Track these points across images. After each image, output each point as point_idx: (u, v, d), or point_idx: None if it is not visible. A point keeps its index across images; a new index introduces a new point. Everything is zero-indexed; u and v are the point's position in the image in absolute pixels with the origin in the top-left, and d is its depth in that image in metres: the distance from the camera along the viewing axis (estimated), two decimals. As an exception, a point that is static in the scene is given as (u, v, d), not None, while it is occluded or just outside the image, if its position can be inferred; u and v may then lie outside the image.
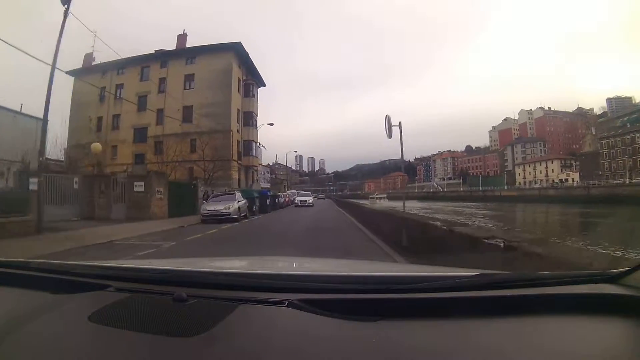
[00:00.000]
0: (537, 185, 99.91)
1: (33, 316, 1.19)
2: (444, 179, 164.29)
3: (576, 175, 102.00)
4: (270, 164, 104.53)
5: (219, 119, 36.51)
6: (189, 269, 1.76)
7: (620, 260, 2.63)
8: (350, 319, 1.07)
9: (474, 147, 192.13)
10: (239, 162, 39.84)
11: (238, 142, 40.87)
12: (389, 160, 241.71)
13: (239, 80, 41.56)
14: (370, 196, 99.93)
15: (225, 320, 1.07)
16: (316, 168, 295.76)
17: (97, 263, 1.82)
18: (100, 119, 42.29)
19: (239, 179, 39.38)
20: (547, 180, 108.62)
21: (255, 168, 46.54)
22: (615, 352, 0.94)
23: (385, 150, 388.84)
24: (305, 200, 39.77)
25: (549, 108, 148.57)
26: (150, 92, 39.41)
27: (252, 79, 43.80)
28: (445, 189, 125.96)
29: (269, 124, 43.80)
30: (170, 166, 30.97)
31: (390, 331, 1.02)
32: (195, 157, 33.07)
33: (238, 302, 1.18)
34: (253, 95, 43.67)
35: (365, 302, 1.16)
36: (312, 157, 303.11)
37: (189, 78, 39.47)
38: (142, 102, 38.82)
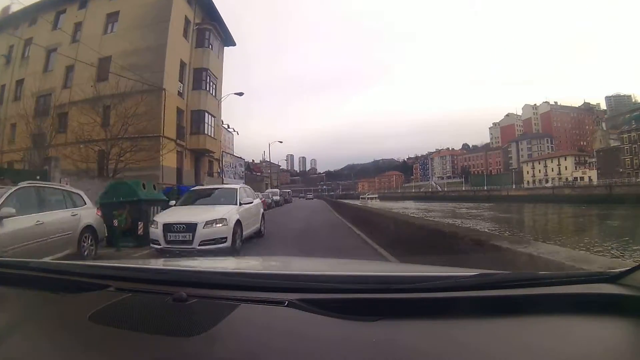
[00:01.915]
0: (549, 184, 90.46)
1: (33, 316, 1.20)
2: (442, 178, 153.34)
3: (593, 173, 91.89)
4: (257, 161, 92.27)
5: (146, 72, 22.68)
6: (189, 268, 1.77)
7: (620, 260, 1.53)
8: (350, 319, 1.06)
9: (470, 145, 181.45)
10: (178, 142, 26.24)
11: (180, 110, 27.09)
12: (382, 159, 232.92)
13: (187, 20, 27.98)
14: (362, 196, 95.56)
15: (225, 320, 1.05)
16: (307, 168, 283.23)
17: (97, 263, 1.80)
18: (3, 87, 29.58)
19: (181, 169, 26.36)
20: (560, 178, 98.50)
21: (212, 154, 32.69)
22: (615, 352, 0.93)
23: (378, 149, 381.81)
24: (183, 239, 7.64)
25: (555, 102, 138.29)
26: (61, 44, 26.28)
27: (209, 23, 29.72)
28: (446, 189, 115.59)
29: (236, 94, 30.90)
30: (75, 150, 19.32)
31: (390, 331, 1.01)
32: (112, 132, 19.83)
33: (238, 302, 1.17)
34: (210, 47, 29.54)
35: (365, 302, 1.15)
36: (303, 157, 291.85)
37: (112, 18, 25.99)
38: (51, 59, 26.65)
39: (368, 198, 77.25)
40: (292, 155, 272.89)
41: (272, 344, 0.98)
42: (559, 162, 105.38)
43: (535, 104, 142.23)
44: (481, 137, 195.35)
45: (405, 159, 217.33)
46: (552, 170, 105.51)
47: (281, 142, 58.04)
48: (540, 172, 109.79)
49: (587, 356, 0.92)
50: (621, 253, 13.60)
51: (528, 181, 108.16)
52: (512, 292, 1.14)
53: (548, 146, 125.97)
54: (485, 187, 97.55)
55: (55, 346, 1.01)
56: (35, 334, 1.08)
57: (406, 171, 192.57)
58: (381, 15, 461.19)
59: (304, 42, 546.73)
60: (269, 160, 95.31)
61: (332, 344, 0.96)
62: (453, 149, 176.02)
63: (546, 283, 1.20)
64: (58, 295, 1.35)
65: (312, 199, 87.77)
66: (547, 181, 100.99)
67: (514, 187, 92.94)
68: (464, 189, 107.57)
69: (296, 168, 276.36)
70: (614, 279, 1.19)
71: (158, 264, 1.97)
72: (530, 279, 1.26)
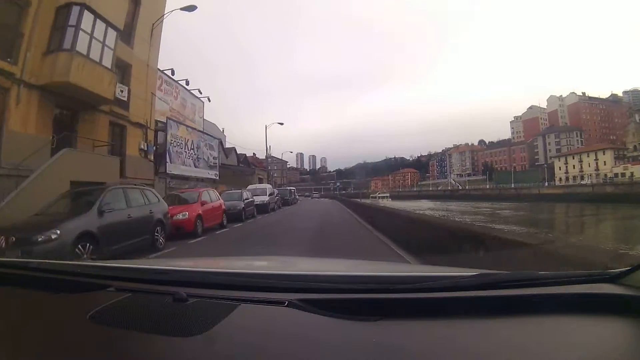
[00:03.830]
0: (586, 181, 78.91)
1: (33, 316, 1.18)
2: (462, 176, 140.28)
3: (636, 169, 79.39)
4: (262, 157, 78.17)
5: None
6: (189, 268, 1.74)
7: (620, 260, 2.35)
8: (350, 319, 1.04)
9: (487, 142, 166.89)
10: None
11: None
12: (394, 157, 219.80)
13: None
14: (372, 195, 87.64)
15: (225, 320, 1.03)
16: (317, 166, 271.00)
17: (98, 263, 1.77)
18: None
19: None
20: (597, 174, 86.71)
21: (115, 110, 16.94)
22: (615, 352, 0.91)
23: (389, 148, 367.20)
24: None
25: (583, 93, 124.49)
26: None
27: None
28: (467, 187, 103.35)
29: (184, 9, 19.70)
30: None
31: (390, 331, 1.00)
32: None
33: (238, 302, 1.15)
34: None
35: (365, 302, 1.13)
36: (313, 155, 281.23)
37: None
38: None
39: (379, 197, 72.20)
40: (302, 154, 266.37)
41: (272, 344, 0.96)
42: (596, 156, 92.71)
43: (561, 95, 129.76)
44: (498, 133, 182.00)
45: (418, 156, 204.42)
46: (589, 166, 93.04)
47: (282, 124, 43.69)
48: (574, 167, 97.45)
49: (587, 356, 0.89)
50: None
51: (560, 178, 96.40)
52: (512, 292, 1.12)
53: (578, 140, 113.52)
54: (513, 185, 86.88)
55: (55, 346, 0.98)
56: (35, 334, 1.04)
57: (420, 169, 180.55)
58: (392, 14, 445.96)
59: (314, 42, 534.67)
60: (277, 157, 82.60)
61: (332, 344, 0.94)
62: (473, 144, 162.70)
63: (546, 283, 1.17)
64: (58, 295, 1.30)
65: (319, 198, 76.14)
66: (582, 178, 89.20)
67: (546, 184, 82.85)
68: (488, 186, 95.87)
69: (306, 167, 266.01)
70: (614, 278, 1.15)
71: (158, 264, 1.94)
72: (531, 279, 1.21)
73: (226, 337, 0.97)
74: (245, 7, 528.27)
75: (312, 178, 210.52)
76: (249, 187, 25.80)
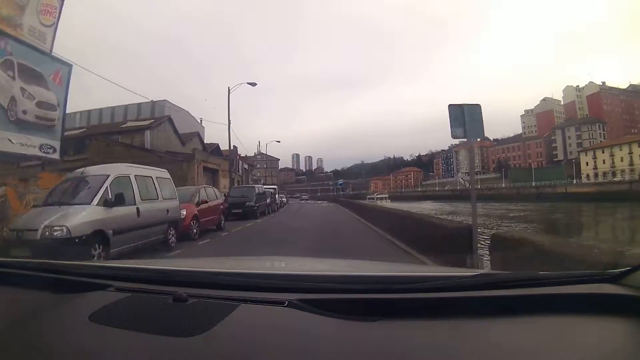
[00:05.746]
0: (619, 178, 69.75)
1: (33, 316, 1.18)
2: (469, 174, 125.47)
3: None
4: (252, 154, 64.52)
5: None
6: (189, 268, 1.72)
7: (620, 260, 2.39)
8: (350, 319, 1.03)
9: (492, 139, 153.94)
10: None
11: None
12: (393, 156, 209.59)
13: None
14: (369, 196, 79.10)
15: (225, 320, 1.03)
16: (314, 167, 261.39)
17: (98, 263, 1.83)
18: None
19: None
20: (632, 169, 75.78)
21: None
22: (615, 352, 0.91)
23: (388, 147, 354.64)
24: None
25: (603, 83, 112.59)
26: None
27: None
28: (479, 186, 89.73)
29: None
30: None
31: (390, 331, 0.99)
32: None
33: (238, 302, 1.15)
34: None
35: (365, 302, 1.13)
36: (309, 156, 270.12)
37: None
38: None
39: (377, 198, 66.09)
40: (297, 155, 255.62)
41: (272, 344, 0.95)
42: (630, 149, 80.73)
43: (577, 86, 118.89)
44: (503, 129, 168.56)
45: (419, 155, 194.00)
46: (622, 160, 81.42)
47: (254, 84, 29.28)
48: (604, 162, 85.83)
49: (587, 356, 0.89)
50: None
51: (588, 174, 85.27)
52: (512, 292, 1.11)
53: (600, 133, 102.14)
54: (534, 184, 77.42)
55: (56, 346, 0.98)
56: (35, 334, 1.05)
57: (422, 168, 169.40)
58: (390, 14, 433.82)
59: (311, 41, 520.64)
60: (265, 153, 69.32)
61: (332, 344, 0.94)
62: (481, 140, 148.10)
63: (546, 283, 1.16)
64: (58, 295, 1.30)
65: (308, 200, 64.20)
66: (614, 174, 78.78)
67: (574, 182, 73.07)
68: (503, 185, 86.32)
69: (302, 168, 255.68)
70: (614, 279, 1.14)
71: (158, 264, 1.82)
72: (531, 279, 1.21)
73: (226, 337, 0.96)
74: (241, 6, 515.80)
75: (308, 179, 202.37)
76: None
